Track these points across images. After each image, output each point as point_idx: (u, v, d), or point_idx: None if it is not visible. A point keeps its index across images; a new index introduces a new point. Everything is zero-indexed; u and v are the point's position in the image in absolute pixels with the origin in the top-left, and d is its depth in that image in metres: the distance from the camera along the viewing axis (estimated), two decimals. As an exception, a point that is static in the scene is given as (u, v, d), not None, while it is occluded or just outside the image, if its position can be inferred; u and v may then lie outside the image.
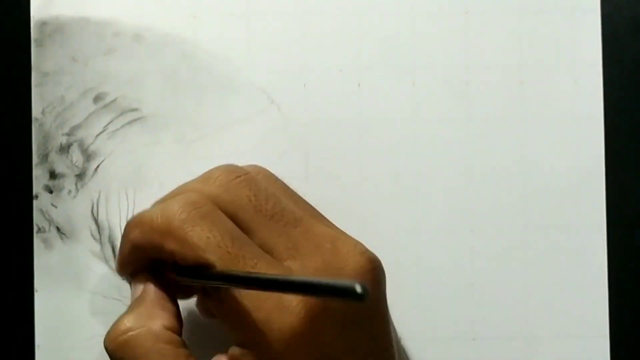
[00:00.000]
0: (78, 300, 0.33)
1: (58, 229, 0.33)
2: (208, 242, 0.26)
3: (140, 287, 0.29)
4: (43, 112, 0.33)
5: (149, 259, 0.29)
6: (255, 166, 0.31)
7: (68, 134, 0.33)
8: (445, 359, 0.33)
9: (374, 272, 0.28)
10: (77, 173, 0.34)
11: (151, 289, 0.29)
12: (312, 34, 0.34)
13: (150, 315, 0.28)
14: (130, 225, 0.29)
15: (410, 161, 0.34)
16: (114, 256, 0.33)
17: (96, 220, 0.34)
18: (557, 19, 0.34)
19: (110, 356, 0.28)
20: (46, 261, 0.33)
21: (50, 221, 0.33)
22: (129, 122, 0.34)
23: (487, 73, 0.34)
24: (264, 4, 0.34)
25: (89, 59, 0.33)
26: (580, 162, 0.34)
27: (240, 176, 0.29)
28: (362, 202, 0.34)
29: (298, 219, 0.28)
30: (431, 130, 0.34)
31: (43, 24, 0.33)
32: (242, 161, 0.33)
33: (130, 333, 0.27)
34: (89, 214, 0.33)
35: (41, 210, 0.33)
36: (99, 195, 0.34)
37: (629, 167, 0.34)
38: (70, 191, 0.33)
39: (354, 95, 0.34)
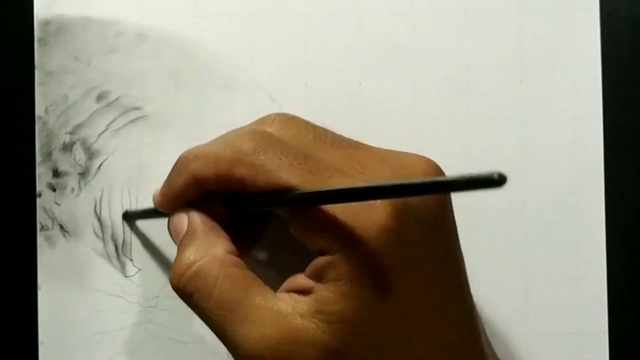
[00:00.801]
0: (81, 298, 0.33)
1: (61, 226, 0.34)
2: (281, 163, 0.26)
3: (184, 221, 0.29)
4: (46, 111, 0.34)
5: (203, 192, 0.28)
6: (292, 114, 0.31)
7: (71, 133, 0.34)
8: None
9: (437, 173, 0.28)
10: (80, 171, 0.34)
11: (198, 220, 0.28)
12: (314, 34, 0.34)
13: (209, 244, 0.27)
14: (188, 159, 0.28)
15: (410, 160, 0.34)
16: (117, 254, 0.34)
17: (99, 218, 0.34)
18: (557, 18, 0.34)
19: (180, 293, 0.27)
20: (49, 259, 0.33)
21: (54, 219, 0.34)
22: (132, 121, 0.34)
23: (486, 72, 0.34)
24: (266, 4, 0.34)
25: (92, 58, 0.34)
26: (580, 160, 0.34)
27: (295, 117, 0.29)
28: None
29: (356, 143, 0.29)
30: (431, 128, 0.34)
31: (46, 23, 0.34)
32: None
33: (197, 264, 0.27)
34: (92, 211, 0.34)
35: (44, 208, 0.34)
36: (102, 194, 0.34)
37: (627, 165, 0.35)
38: (73, 189, 0.34)
39: (355, 95, 0.34)
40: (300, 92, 0.34)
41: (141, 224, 0.34)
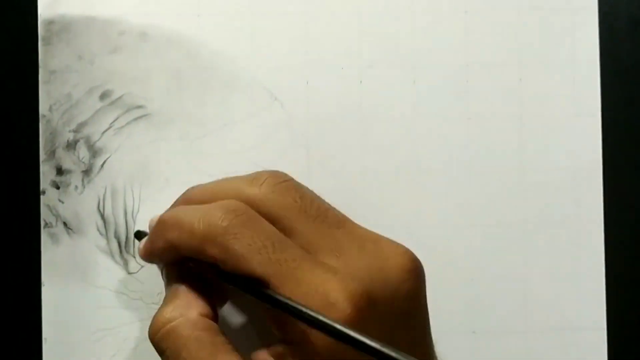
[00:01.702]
0: (84, 294, 0.34)
1: (65, 224, 0.34)
2: (250, 250, 0.27)
3: (173, 278, 0.29)
4: (50, 109, 0.34)
5: (183, 256, 0.29)
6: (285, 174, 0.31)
7: (75, 131, 0.34)
8: (446, 352, 0.34)
9: (416, 272, 0.28)
10: (84, 169, 0.34)
11: (185, 279, 0.29)
12: (314, 33, 0.34)
13: (187, 305, 0.28)
14: (167, 224, 0.29)
15: (410, 157, 0.34)
16: (120, 251, 0.34)
17: (102, 216, 0.34)
18: (556, 17, 0.35)
19: (155, 347, 0.28)
20: (53, 256, 0.34)
21: (57, 216, 0.34)
22: (135, 119, 0.34)
23: (486, 71, 0.35)
24: (267, 3, 0.34)
25: (95, 57, 0.34)
26: (579, 158, 0.35)
27: (287, 180, 0.29)
28: (363, 197, 0.34)
29: (341, 220, 0.29)
30: (431, 127, 0.34)
31: (50, 22, 0.34)
32: (245, 157, 0.34)
33: (170, 324, 0.27)
34: (95, 209, 0.34)
35: (48, 206, 0.34)
36: (105, 191, 0.34)
37: (626, 163, 0.35)
38: (77, 187, 0.34)
39: (356, 93, 0.34)
40: (301, 91, 0.34)
41: (146, 223, 0.34)
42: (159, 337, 0.28)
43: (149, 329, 0.28)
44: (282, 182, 0.29)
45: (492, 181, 0.34)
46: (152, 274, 0.34)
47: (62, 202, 0.34)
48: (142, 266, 0.34)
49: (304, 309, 0.25)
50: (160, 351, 0.28)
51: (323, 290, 0.26)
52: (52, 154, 0.34)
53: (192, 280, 0.29)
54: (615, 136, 0.35)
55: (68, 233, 0.34)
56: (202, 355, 0.27)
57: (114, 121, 0.34)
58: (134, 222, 0.34)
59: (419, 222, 0.34)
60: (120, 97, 0.34)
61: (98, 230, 0.34)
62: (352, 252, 0.28)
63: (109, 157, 0.34)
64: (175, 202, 0.31)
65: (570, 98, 0.35)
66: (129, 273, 0.34)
